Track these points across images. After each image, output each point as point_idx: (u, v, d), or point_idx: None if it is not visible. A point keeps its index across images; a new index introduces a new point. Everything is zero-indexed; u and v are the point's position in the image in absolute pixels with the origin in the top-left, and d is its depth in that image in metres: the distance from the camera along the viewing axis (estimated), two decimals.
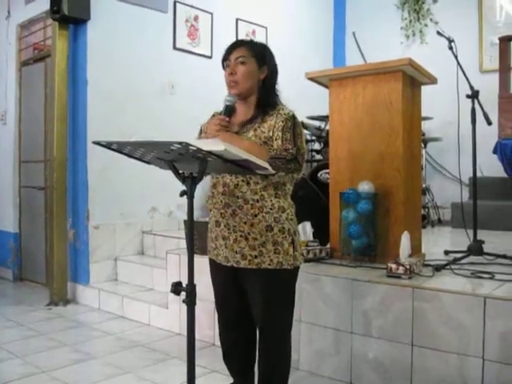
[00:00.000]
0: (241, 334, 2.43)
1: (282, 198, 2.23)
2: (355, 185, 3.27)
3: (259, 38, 6.30)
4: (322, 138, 6.10)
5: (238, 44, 2.33)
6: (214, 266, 2.37)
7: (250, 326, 2.41)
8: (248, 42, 2.37)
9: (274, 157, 2.10)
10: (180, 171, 1.90)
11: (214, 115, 2.41)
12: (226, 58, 2.32)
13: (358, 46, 7.23)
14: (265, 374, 2.34)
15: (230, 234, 2.21)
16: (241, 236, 2.19)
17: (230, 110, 2.27)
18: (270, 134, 2.18)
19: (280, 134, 2.16)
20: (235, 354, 2.47)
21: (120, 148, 1.88)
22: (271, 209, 2.19)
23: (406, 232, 3.02)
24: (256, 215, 2.17)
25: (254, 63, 2.27)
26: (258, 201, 2.17)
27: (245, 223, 2.18)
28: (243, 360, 2.46)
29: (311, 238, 3.50)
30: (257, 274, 2.20)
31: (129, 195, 5.04)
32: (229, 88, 2.30)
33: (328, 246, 3.53)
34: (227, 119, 2.23)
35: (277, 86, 2.36)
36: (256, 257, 2.18)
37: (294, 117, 2.22)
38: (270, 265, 2.17)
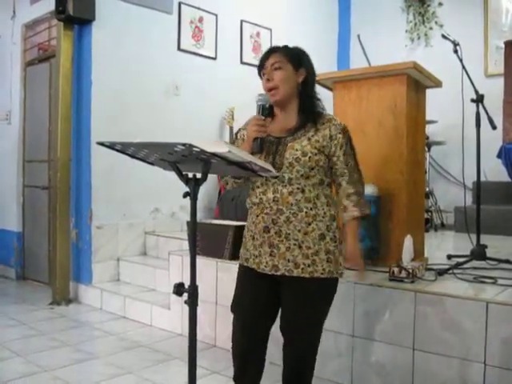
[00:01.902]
0: (259, 346, 2.36)
1: (333, 206, 2.22)
2: None
3: (263, 39, 6.32)
4: None
5: (272, 50, 2.27)
6: (252, 275, 2.26)
7: (266, 339, 2.36)
8: (282, 47, 2.30)
9: (356, 201, 2.20)
10: (183, 172, 1.90)
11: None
12: (261, 66, 2.26)
13: (363, 49, 7.22)
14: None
15: (280, 242, 2.16)
16: (294, 244, 2.15)
17: (265, 110, 2.21)
18: (325, 143, 2.16)
19: (340, 153, 2.19)
20: (250, 371, 2.36)
21: (124, 149, 1.88)
22: (323, 217, 2.16)
23: (408, 235, 3.01)
24: (310, 223, 2.14)
25: (290, 67, 2.22)
26: (311, 209, 2.15)
27: (299, 231, 2.14)
28: (254, 369, 2.37)
29: None
30: (309, 282, 2.15)
31: (132, 196, 5.05)
32: (268, 96, 2.24)
33: None
34: (263, 118, 2.19)
35: (316, 90, 2.33)
36: (309, 265, 2.13)
37: (347, 129, 2.25)
38: (322, 274, 2.14)
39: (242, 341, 2.33)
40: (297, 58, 2.25)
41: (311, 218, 2.14)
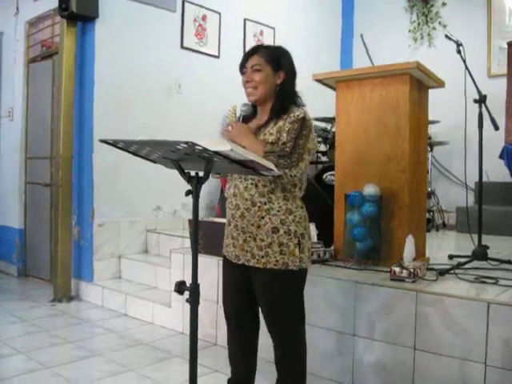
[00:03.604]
0: (244, 334, 2.48)
1: (291, 200, 2.26)
2: (360, 187, 3.27)
3: (267, 38, 6.32)
4: (328, 139, 6.09)
5: (253, 51, 2.36)
6: (226, 262, 2.43)
7: (253, 327, 2.48)
8: (264, 47, 2.39)
9: (267, 151, 2.17)
10: (186, 170, 1.91)
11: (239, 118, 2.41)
12: (242, 66, 2.36)
13: (366, 49, 7.21)
14: (280, 378, 2.38)
15: (239, 235, 2.29)
16: (249, 237, 2.26)
17: (243, 120, 2.33)
18: (278, 135, 2.21)
19: (285, 134, 2.20)
20: (237, 350, 2.51)
21: (126, 146, 1.88)
22: (278, 211, 2.23)
23: (410, 235, 3.01)
24: (263, 217, 2.23)
25: (269, 69, 2.31)
26: (265, 203, 2.23)
27: (252, 225, 2.24)
28: (244, 358, 2.50)
29: (315, 239, 3.50)
30: (264, 273, 2.24)
31: (134, 193, 5.05)
32: (246, 95, 2.35)
33: (332, 247, 3.53)
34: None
35: (296, 89, 2.39)
36: (263, 257, 2.23)
37: (303, 119, 2.23)
38: (275, 265, 2.22)
39: (228, 328, 2.50)
40: (277, 59, 2.34)
41: (264, 212, 2.23)
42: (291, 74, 2.36)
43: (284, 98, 2.32)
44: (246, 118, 2.35)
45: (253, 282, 2.32)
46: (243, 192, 2.25)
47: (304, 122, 2.23)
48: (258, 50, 2.36)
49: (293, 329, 2.33)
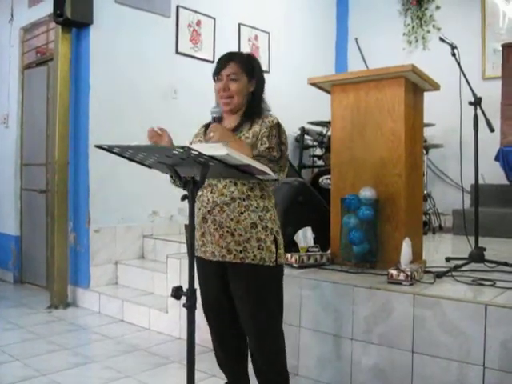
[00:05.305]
0: (232, 333, 2.50)
1: (267, 199, 2.35)
2: (357, 191, 3.27)
3: (262, 42, 6.34)
4: (324, 143, 6.10)
5: (229, 59, 2.40)
6: (202, 264, 2.42)
7: (239, 324, 2.48)
8: (238, 55, 2.45)
9: (257, 155, 2.20)
10: (181, 175, 1.91)
11: (204, 126, 2.60)
12: (217, 73, 2.41)
13: (361, 52, 7.24)
14: (259, 377, 2.41)
15: (215, 230, 2.30)
16: (227, 232, 2.28)
17: (218, 121, 2.34)
18: (254, 139, 2.28)
19: (266, 139, 2.26)
20: (227, 352, 2.55)
21: (122, 152, 1.88)
22: (256, 207, 2.29)
23: (407, 238, 3.01)
24: (242, 213, 2.28)
25: (245, 78, 2.39)
26: (244, 200, 2.28)
27: (231, 220, 2.27)
28: (235, 357, 2.56)
29: (312, 243, 3.50)
30: (241, 268, 2.29)
31: (130, 199, 5.04)
32: (220, 103, 2.39)
33: (329, 251, 3.53)
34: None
35: (263, 95, 2.47)
36: (241, 252, 2.27)
37: (278, 124, 2.33)
38: (253, 260, 2.27)
39: (210, 324, 2.53)
40: (251, 68, 2.41)
41: (243, 207, 2.28)
42: (262, 81, 2.46)
43: (256, 103, 2.41)
44: (218, 120, 2.33)
45: (229, 278, 2.35)
46: (222, 189, 2.28)
47: (280, 127, 2.33)
48: (233, 57, 2.41)
49: (268, 324, 2.35)
